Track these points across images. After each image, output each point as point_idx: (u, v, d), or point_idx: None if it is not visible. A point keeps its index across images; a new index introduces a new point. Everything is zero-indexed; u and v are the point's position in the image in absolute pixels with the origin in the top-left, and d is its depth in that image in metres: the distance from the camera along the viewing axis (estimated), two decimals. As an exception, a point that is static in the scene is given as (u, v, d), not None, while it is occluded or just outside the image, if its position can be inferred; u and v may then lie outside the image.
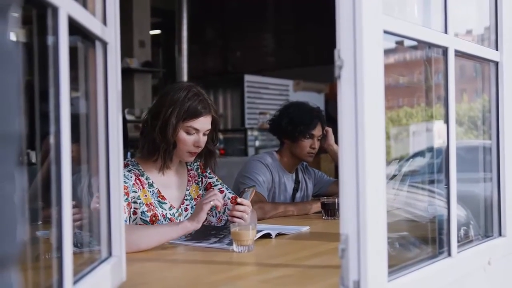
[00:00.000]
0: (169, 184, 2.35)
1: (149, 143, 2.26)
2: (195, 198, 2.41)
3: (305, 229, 2.42)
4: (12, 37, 0.58)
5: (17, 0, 0.61)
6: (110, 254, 1.41)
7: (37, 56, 1.09)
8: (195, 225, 2.01)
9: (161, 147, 2.23)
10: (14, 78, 0.57)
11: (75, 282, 1.11)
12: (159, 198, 2.28)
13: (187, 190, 2.40)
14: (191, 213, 2.34)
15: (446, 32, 1.56)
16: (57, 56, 1.03)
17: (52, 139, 1.03)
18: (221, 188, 2.45)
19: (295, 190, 3.20)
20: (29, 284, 1.14)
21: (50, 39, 1.04)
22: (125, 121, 3.73)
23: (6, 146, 0.56)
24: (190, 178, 2.43)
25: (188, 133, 2.25)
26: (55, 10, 1.02)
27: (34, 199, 1.78)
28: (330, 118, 3.68)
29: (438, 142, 1.86)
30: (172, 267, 1.81)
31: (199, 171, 2.47)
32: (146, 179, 2.28)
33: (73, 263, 1.07)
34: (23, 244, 0.62)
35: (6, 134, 0.55)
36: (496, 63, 1.86)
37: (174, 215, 2.31)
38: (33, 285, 1.17)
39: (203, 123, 2.27)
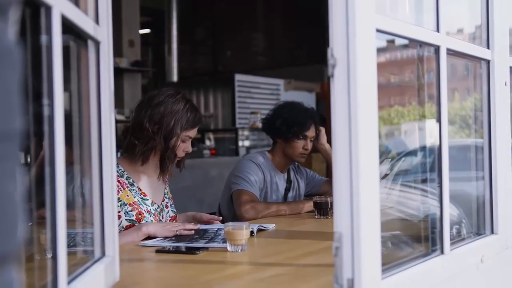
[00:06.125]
0: (149, 184, 2.44)
1: (148, 150, 2.34)
2: (171, 198, 2.56)
3: (271, 226, 2.43)
4: (12, 36, 0.58)
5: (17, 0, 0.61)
6: (103, 254, 1.40)
7: (29, 55, 1.08)
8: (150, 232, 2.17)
9: (166, 156, 2.35)
10: (15, 76, 0.57)
11: (69, 282, 1.11)
12: (141, 196, 2.37)
13: (165, 189, 2.54)
14: (171, 210, 2.51)
15: (438, 30, 1.57)
16: (50, 55, 1.02)
17: (45, 140, 1.03)
18: (171, 203, 2.59)
19: (287, 189, 3.21)
20: (23, 284, 1.14)
21: (43, 38, 1.03)
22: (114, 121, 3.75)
23: (8, 143, 0.56)
24: (166, 179, 2.56)
25: (183, 141, 2.39)
26: (48, 9, 1.01)
27: (26, 199, 1.78)
28: (321, 117, 3.69)
29: (430, 141, 1.87)
30: (166, 267, 1.81)
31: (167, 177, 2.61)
32: (126, 179, 2.36)
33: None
34: (23, 242, 0.62)
35: (7, 131, 0.56)
36: (488, 62, 1.87)
37: (156, 211, 2.41)
38: (27, 286, 1.16)
39: (196, 131, 2.45)
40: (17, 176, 0.59)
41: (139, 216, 2.30)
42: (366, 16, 1.22)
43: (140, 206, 2.33)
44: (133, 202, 2.31)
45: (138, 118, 2.35)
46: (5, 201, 0.56)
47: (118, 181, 2.29)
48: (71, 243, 1.39)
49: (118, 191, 2.26)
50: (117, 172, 2.31)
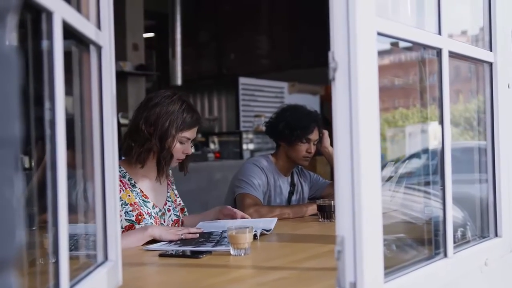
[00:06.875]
0: (151, 187, 2.44)
1: (145, 152, 2.34)
2: (174, 201, 2.54)
3: (274, 221, 2.46)
4: (11, 41, 0.58)
5: (15, 5, 0.61)
6: (106, 258, 1.41)
7: (31, 60, 1.09)
8: (156, 234, 2.15)
9: (161, 157, 2.35)
10: (13, 82, 0.57)
11: (71, 286, 1.11)
12: (143, 197, 2.37)
13: (168, 192, 2.52)
14: (173, 214, 2.50)
15: (440, 33, 1.56)
16: (51, 60, 1.03)
17: (47, 144, 1.03)
18: (180, 202, 2.61)
19: (291, 193, 3.20)
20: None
21: (44, 44, 1.04)
22: (119, 125, 3.77)
23: (5, 150, 0.56)
24: (169, 183, 2.56)
25: (180, 142, 2.38)
26: (49, 14, 1.02)
27: (29, 204, 1.78)
28: (325, 120, 3.68)
29: (434, 143, 1.87)
30: (169, 271, 1.80)
31: (172, 178, 2.62)
32: (129, 180, 2.37)
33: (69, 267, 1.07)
34: (21, 247, 0.62)
35: (5, 138, 0.56)
36: (490, 64, 1.86)
37: (158, 214, 2.41)
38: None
39: (194, 132, 2.43)
40: (15, 182, 0.59)
41: (139, 217, 2.30)
42: (367, 19, 1.22)
43: (141, 207, 2.33)
44: (134, 203, 2.31)
45: (135, 120, 2.37)
46: (2, 207, 0.56)
47: (120, 180, 2.29)
48: (73, 246, 1.39)
49: (120, 190, 2.26)
50: (120, 172, 2.32)
